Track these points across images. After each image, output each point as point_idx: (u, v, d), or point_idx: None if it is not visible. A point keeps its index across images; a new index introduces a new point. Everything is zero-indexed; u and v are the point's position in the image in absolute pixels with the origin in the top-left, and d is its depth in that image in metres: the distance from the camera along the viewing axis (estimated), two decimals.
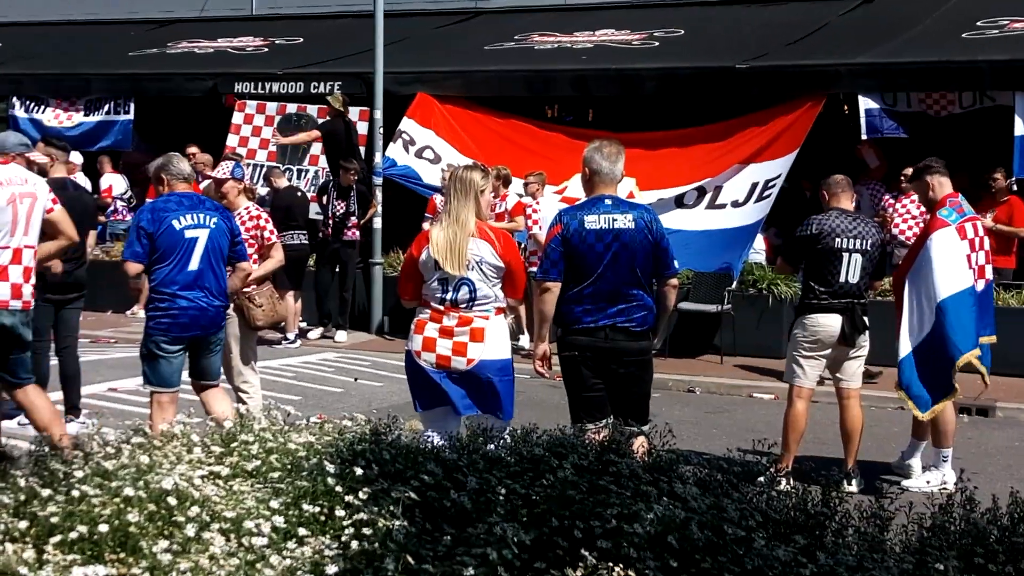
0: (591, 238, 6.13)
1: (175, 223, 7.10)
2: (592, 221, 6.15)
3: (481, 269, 6.04)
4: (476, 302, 6.07)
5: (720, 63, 13.84)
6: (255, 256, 8.06)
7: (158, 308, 7.14)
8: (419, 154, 14.33)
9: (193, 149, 13.99)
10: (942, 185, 7.76)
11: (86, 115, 17.02)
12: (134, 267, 7.13)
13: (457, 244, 6.01)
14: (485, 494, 3.59)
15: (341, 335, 13.68)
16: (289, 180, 14.56)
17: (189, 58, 17.51)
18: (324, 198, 13.56)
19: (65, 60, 18.09)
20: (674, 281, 6.42)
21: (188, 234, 7.15)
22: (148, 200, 7.14)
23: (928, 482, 7.71)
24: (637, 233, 6.13)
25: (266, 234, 8.16)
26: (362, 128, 14.92)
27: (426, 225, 14.28)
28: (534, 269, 11.65)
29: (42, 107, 17.25)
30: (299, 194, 13.93)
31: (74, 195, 8.72)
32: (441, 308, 6.08)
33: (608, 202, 6.22)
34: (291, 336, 13.31)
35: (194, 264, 7.16)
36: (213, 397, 7.45)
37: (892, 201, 13.11)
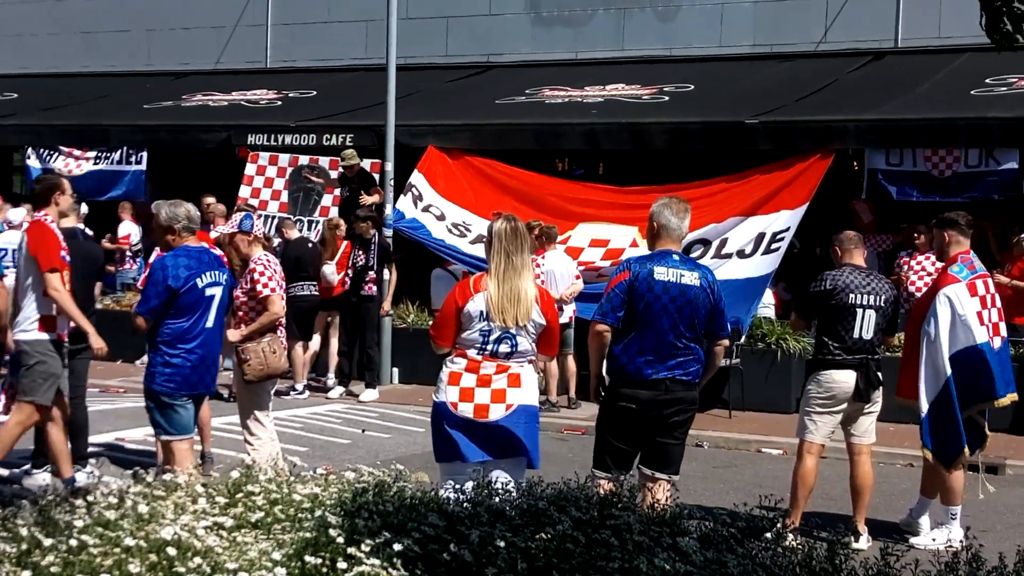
0: (658, 288, 6.19)
1: (199, 281, 7.14)
2: (662, 273, 6.21)
3: (527, 326, 6.08)
4: (514, 355, 6.09)
5: (729, 118, 13.92)
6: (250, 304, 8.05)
7: (169, 364, 7.09)
8: (425, 211, 14.38)
9: (209, 199, 14.06)
10: (959, 243, 7.80)
11: (95, 164, 17.12)
12: (146, 323, 7.11)
13: (522, 298, 6.02)
14: (486, 547, 3.58)
15: (370, 393, 13.34)
16: (300, 231, 14.63)
17: (204, 110, 17.67)
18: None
19: (82, 111, 18.27)
20: (725, 342, 6.53)
21: (208, 292, 7.20)
22: (164, 253, 7.19)
23: (935, 539, 7.65)
24: (700, 292, 6.24)
25: (258, 287, 7.98)
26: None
27: (435, 274, 14.42)
28: None
29: (54, 155, 17.38)
30: (310, 245, 13.98)
31: (84, 245, 8.81)
32: (479, 358, 6.07)
33: (676, 257, 6.32)
34: (299, 387, 13.28)
35: (211, 321, 7.23)
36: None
37: (907, 259, 13.12)
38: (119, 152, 17.01)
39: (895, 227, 14.72)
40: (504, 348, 6.06)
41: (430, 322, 14.39)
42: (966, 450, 7.57)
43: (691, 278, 6.23)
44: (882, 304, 7.62)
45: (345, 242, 13.75)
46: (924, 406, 7.58)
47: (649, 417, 6.25)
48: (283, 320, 8.31)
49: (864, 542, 7.44)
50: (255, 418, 7.99)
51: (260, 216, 14.77)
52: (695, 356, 6.31)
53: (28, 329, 7.84)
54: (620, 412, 6.32)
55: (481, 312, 6.02)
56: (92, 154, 17.20)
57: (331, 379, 13.73)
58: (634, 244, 12.84)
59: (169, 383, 7.10)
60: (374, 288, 13.38)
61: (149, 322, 7.09)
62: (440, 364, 6.25)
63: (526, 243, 6.20)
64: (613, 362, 6.32)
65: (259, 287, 8.00)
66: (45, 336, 7.84)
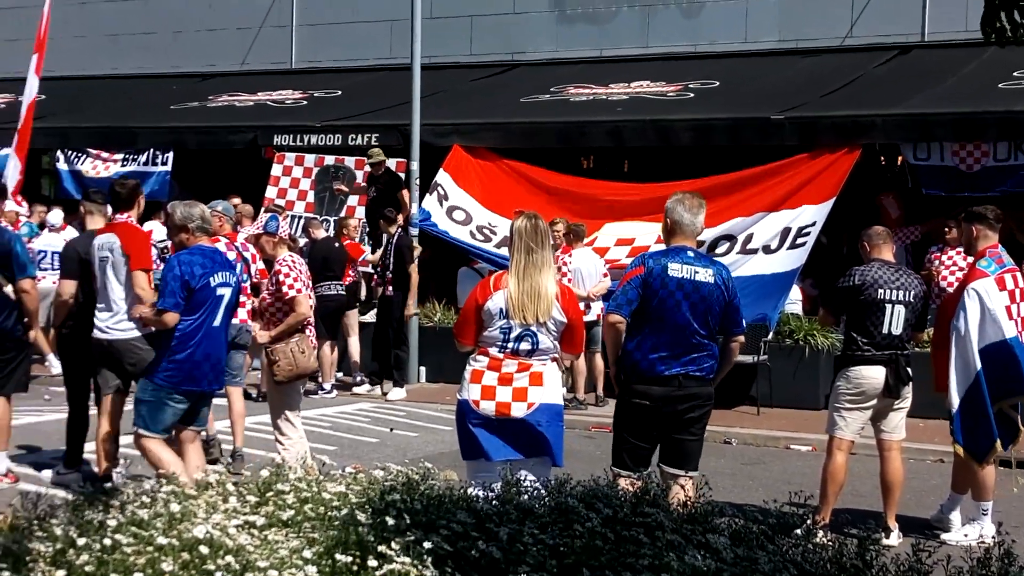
0: (672, 285, 6.18)
1: (212, 280, 7.24)
2: (676, 269, 6.21)
3: (547, 323, 6.07)
4: (535, 353, 6.09)
5: (755, 114, 13.87)
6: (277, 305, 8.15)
7: (174, 360, 7.17)
8: (450, 212, 14.39)
9: (236, 200, 14.11)
10: (987, 237, 7.74)
11: (122, 165, 17.23)
12: (175, 317, 7.14)
13: (542, 294, 6.03)
14: (515, 544, 3.58)
15: (397, 392, 13.36)
16: (326, 231, 14.68)
17: (230, 111, 17.76)
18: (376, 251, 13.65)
19: (110, 113, 18.40)
20: (740, 339, 6.50)
21: (219, 292, 7.32)
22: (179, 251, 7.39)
23: (966, 535, 7.61)
24: (715, 288, 6.22)
25: (284, 288, 8.07)
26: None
27: (461, 273, 14.45)
28: None
29: (82, 158, 17.50)
30: (336, 245, 14.03)
31: None
32: (500, 356, 6.09)
33: (691, 254, 6.31)
34: (327, 386, 13.33)
35: (218, 320, 7.34)
36: (190, 448, 7.50)
37: (937, 254, 13.03)
38: (146, 154, 17.12)
39: (923, 220, 14.62)
40: (525, 346, 6.07)
41: (460, 312, 14.47)
42: (998, 444, 7.51)
43: (705, 275, 6.22)
44: (911, 299, 7.59)
45: (348, 241, 13.97)
46: (955, 401, 7.53)
47: (664, 413, 6.25)
48: (312, 320, 8.35)
49: (895, 538, 7.40)
50: (286, 418, 8.04)
51: (287, 216, 14.86)
52: (709, 352, 6.29)
53: (125, 329, 7.92)
54: (634, 409, 6.33)
55: (501, 309, 6.04)
56: (119, 156, 17.32)
57: (358, 376, 13.83)
58: (659, 241, 12.81)
59: (173, 378, 7.18)
60: (390, 289, 13.40)
61: (175, 316, 7.12)
62: (466, 362, 6.28)
63: (547, 240, 6.19)
64: (627, 359, 6.32)
65: (285, 288, 8.06)
66: (140, 332, 7.93)
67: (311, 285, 8.61)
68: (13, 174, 14.78)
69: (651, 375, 6.23)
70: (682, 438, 6.32)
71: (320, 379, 13.17)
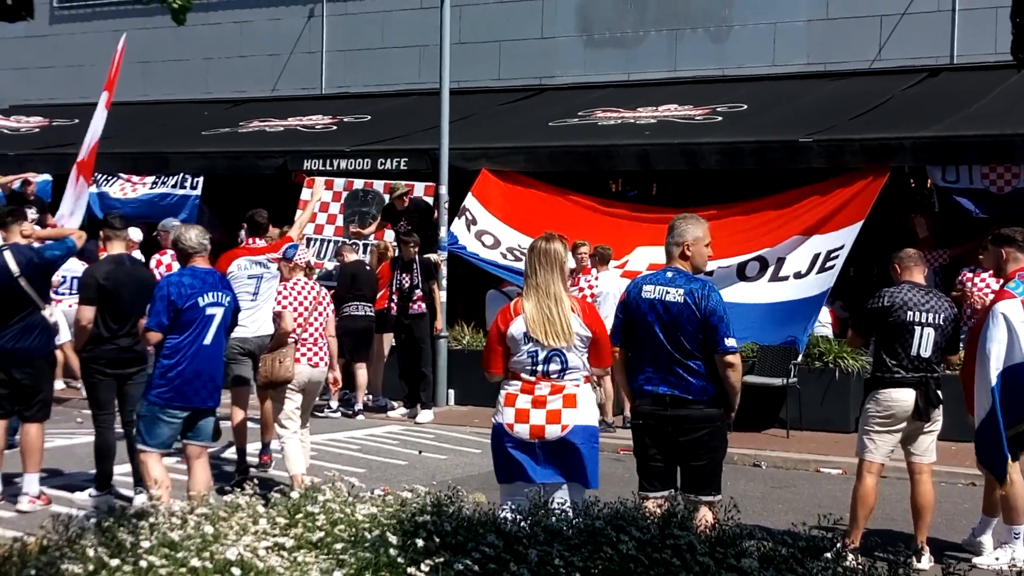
0: (644, 306, 6.31)
1: (200, 300, 7.48)
2: (648, 291, 6.33)
3: (571, 341, 6.07)
4: (566, 372, 6.09)
5: (783, 137, 13.86)
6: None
7: (165, 376, 7.41)
8: (478, 236, 14.45)
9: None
10: (1016, 260, 7.72)
11: (151, 187, 17.37)
12: (157, 336, 7.46)
13: (556, 317, 6.03)
14: (545, 567, 3.59)
15: (425, 415, 13.36)
16: (357, 253, 14.77)
17: (260, 136, 17.90)
18: (393, 274, 13.67)
19: (141, 138, 18.57)
20: (729, 358, 6.23)
21: (209, 311, 7.53)
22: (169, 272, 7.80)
23: (998, 559, 7.52)
24: (684, 308, 6.22)
25: (275, 307, 8.97)
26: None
27: (490, 296, 14.47)
28: None
29: (112, 179, 17.64)
30: (367, 267, 14.10)
31: (130, 270, 8.96)
32: (532, 379, 6.09)
33: (669, 275, 6.35)
34: (333, 404, 13.42)
35: (208, 339, 7.55)
36: (196, 464, 7.70)
37: (970, 276, 12.95)
38: (175, 178, 17.26)
39: (953, 242, 14.53)
40: (555, 366, 6.06)
41: (485, 343, 14.49)
42: (1009, 460, 7.44)
43: (675, 294, 6.25)
44: (941, 322, 7.55)
45: (381, 263, 14.12)
46: (977, 422, 7.50)
47: (658, 435, 6.29)
48: (309, 335, 9.00)
49: (926, 562, 7.35)
50: (286, 414, 8.91)
51: (316, 240, 14.96)
52: (697, 372, 6.23)
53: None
54: (637, 429, 6.46)
55: (525, 333, 6.05)
56: (150, 179, 17.47)
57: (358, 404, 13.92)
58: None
59: (164, 395, 7.42)
60: (423, 306, 13.42)
61: (157, 335, 7.44)
62: (495, 386, 6.29)
63: (556, 261, 6.12)
64: (628, 381, 6.50)
65: (276, 306, 8.93)
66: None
67: (327, 307, 9.21)
68: (74, 206, 14.63)
69: (641, 396, 6.38)
70: (689, 463, 6.31)
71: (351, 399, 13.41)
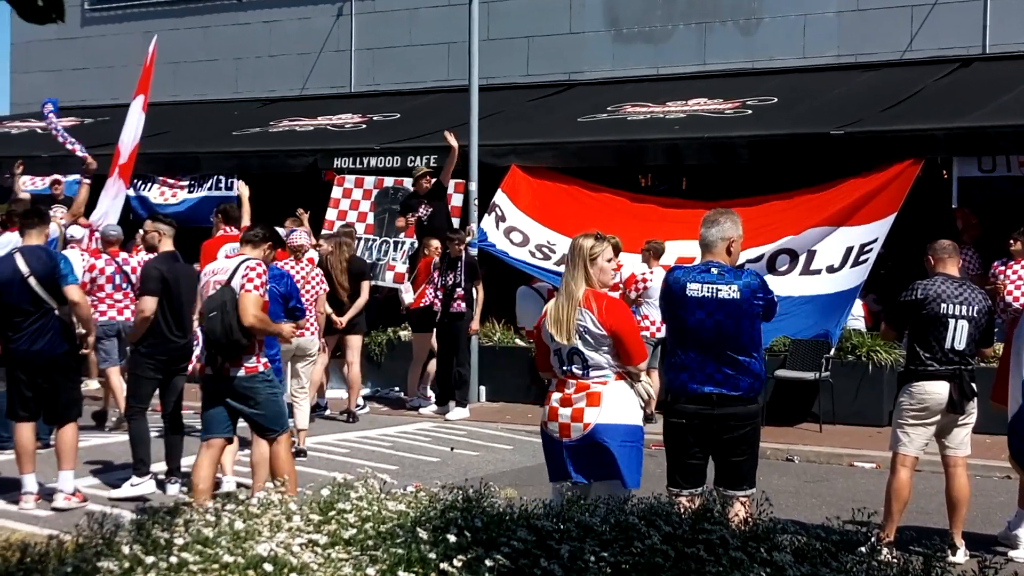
0: (692, 304, 6.18)
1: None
2: (695, 289, 6.19)
3: (585, 338, 6.02)
4: (589, 370, 6.05)
5: (814, 129, 13.78)
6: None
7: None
8: (507, 233, 14.43)
9: (299, 216, 14.07)
10: None
11: (190, 192, 17.49)
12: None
13: (564, 314, 6.02)
14: (576, 562, 3.59)
15: (459, 412, 13.30)
16: (384, 253, 14.83)
17: (290, 135, 17.97)
18: (435, 272, 13.65)
19: (173, 139, 18.68)
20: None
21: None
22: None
23: None
24: (743, 303, 6.14)
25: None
26: (457, 199, 15.12)
27: (520, 292, 14.46)
28: (646, 333, 11.73)
29: (149, 185, 17.75)
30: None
31: (182, 267, 9.12)
32: (563, 377, 6.11)
33: (714, 271, 6.23)
34: (322, 403, 13.27)
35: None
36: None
37: (1002, 268, 12.81)
38: (211, 180, 17.36)
39: (987, 242, 14.33)
40: (577, 364, 6.05)
41: (516, 340, 14.55)
42: None
43: (729, 291, 6.14)
44: (974, 315, 7.49)
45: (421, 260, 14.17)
46: (1010, 417, 7.45)
47: (702, 433, 6.21)
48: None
49: (961, 556, 7.28)
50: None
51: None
52: (746, 368, 6.19)
53: None
54: (672, 428, 6.36)
55: (547, 332, 6.08)
56: (185, 183, 17.57)
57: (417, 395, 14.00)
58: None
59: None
60: (463, 305, 13.40)
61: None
62: (529, 384, 6.32)
63: (583, 255, 6.07)
64: (664, 377, 6.39)
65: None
66: None
67: (316, 284, 11.27)
68: (111, 206, 14.69)
69: (683, 394, 6.25)
70: (730, 459, 6.26)
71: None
